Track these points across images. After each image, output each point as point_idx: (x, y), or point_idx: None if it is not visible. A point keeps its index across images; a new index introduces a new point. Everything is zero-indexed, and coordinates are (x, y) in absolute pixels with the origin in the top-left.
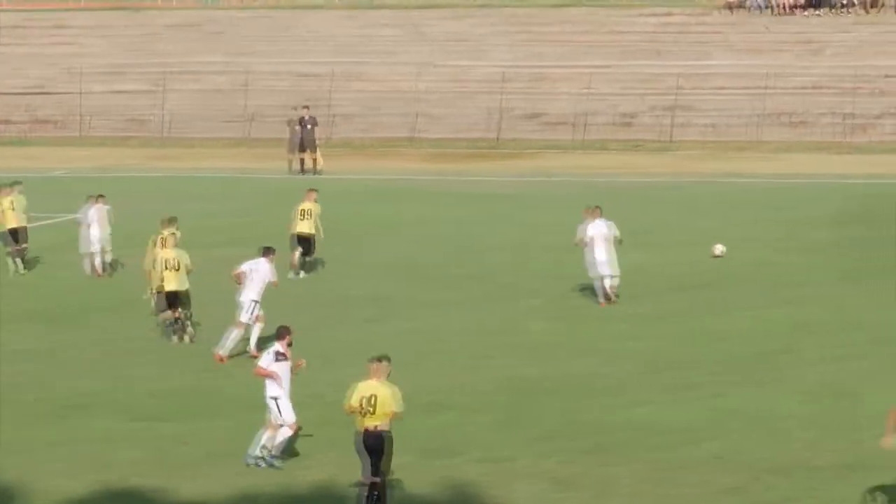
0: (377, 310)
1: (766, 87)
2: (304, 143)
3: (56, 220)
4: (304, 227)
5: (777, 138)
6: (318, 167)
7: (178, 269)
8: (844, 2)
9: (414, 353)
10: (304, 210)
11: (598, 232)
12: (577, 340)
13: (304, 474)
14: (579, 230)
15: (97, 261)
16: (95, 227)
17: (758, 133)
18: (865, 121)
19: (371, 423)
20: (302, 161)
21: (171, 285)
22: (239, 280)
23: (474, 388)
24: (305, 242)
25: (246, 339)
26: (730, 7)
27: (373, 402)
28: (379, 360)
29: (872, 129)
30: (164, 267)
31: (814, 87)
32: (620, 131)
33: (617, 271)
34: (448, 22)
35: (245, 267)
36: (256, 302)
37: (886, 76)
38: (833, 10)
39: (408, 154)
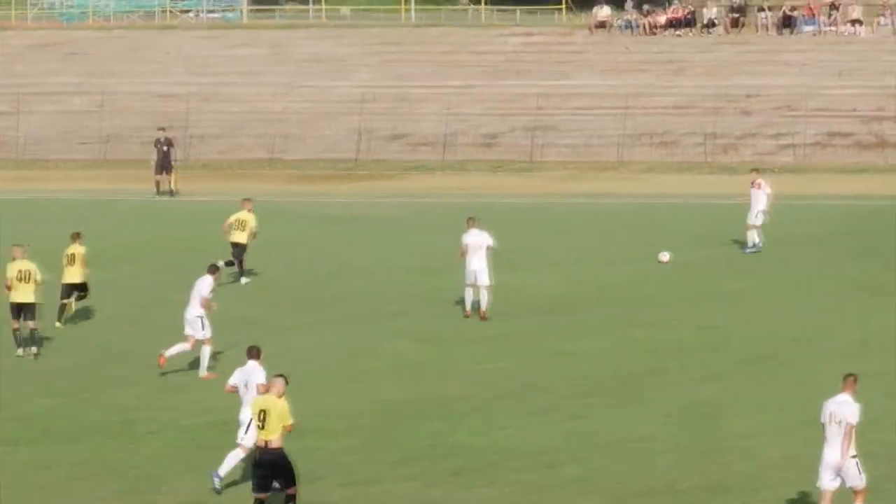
0: (239, 333)
1: (627, 108)
2: (161, 165)
3: None
4: (238, 237)
5: (641, 158)
6: (174, 189)
7: (28, 282)
8: (706, 22)
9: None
10: (238, 220)
11: (473, 241)
12: (441, 362)
13: (165, 499)
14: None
15: None
16: None
17: (621, 153)
18: (728, 141)
19: (264, 437)
20: (157, 183)
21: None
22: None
23: (338, 412)
24: (239, 250)
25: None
26: (590, 28)
27: (262, 417)
28: (277, 376)
29: (735, 149)
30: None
31: (676, 108)
32: (483, 152)
33: (486, 281)
34: (309, 42)
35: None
36: (200, 317)
37: (748, 96)
38: (694, 31)
39: (268, 175)
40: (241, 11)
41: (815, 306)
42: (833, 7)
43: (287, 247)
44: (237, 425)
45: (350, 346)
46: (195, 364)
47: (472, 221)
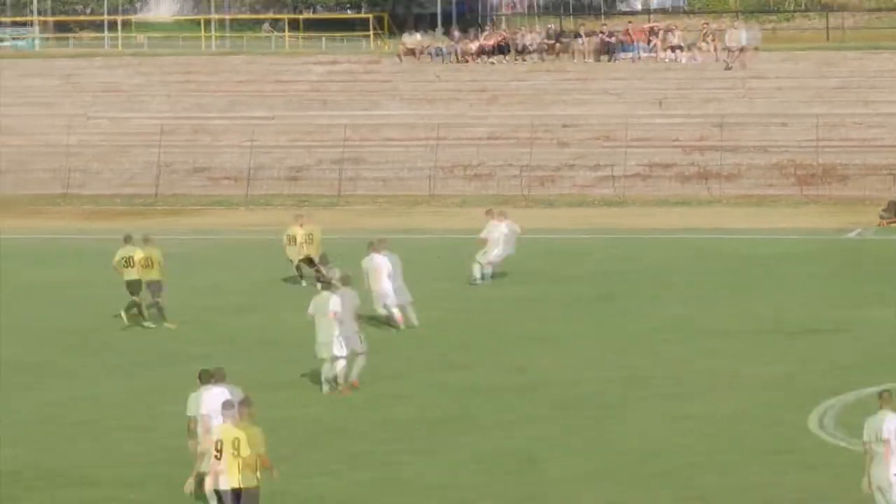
0: (34, 377)
1: (439, 138)
2: None
3: None
4: (133, 274)
5: (454, 192)
6: None
7: None
8: (520, 49)
9: (70, 423)
10: (131, 258)
11: (378, 265)
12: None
13: None
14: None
15: None
16: None
17: (433, 186)
18: (545, 173)
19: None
20: None
21: None
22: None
23: (131, 460)
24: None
25: None
26: (399, 56)
27: (219, 447)
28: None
29: (552, 181)
30: None
31: (490, 138)
32: (289, 185)
33: (409, 297)
34: (102, 71)
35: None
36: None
37: (565, 126)
38: (508, 58)
39: (62, 212)
40: (34, 40)
41: (629, 346)
42: (652, 33)
43: (81, 287)
44: None
45: (146, 392)
46: None
47: (374, 244)
